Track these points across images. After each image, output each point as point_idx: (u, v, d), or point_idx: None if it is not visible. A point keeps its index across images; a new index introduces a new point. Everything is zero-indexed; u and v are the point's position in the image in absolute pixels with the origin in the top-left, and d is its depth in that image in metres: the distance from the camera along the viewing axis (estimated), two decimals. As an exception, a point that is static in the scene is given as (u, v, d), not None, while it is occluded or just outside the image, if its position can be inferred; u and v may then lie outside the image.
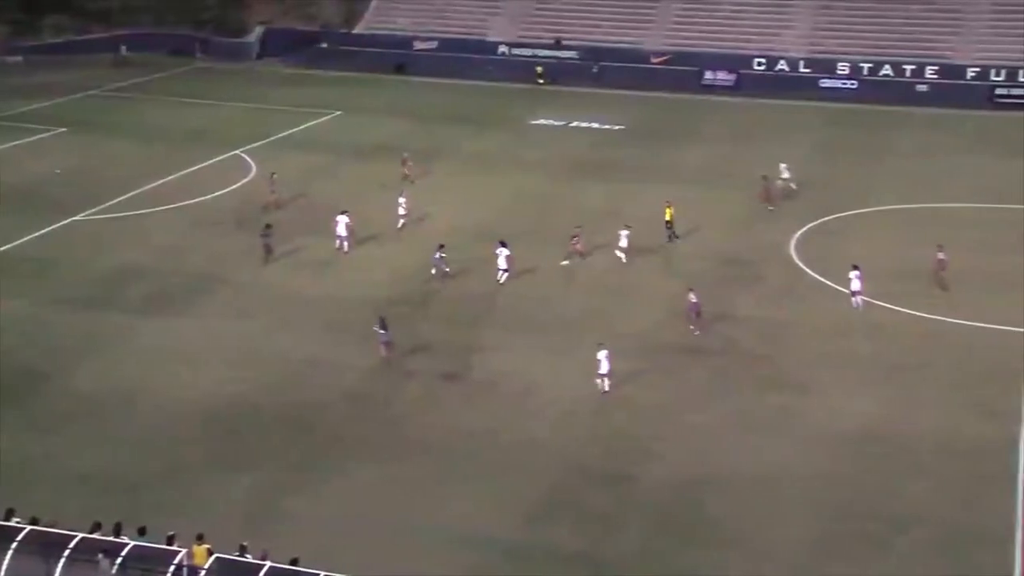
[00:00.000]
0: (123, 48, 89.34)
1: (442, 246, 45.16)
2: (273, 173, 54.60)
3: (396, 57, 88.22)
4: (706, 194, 56.49)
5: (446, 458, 32.81)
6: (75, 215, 52.25)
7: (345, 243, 48.28)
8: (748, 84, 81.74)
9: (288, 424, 34.58)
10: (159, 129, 68.10)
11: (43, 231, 50.14)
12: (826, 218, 52.98)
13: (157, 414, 34.88)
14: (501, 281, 44.48)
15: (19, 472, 31.07)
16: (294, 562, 25.57)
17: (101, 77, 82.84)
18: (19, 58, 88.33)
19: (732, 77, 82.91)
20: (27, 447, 32.74)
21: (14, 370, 37.28)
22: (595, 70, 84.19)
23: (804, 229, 51.37)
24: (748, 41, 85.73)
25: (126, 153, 62.29)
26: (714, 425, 34.78)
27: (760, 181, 54.35)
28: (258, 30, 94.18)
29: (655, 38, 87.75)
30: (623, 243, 47.10)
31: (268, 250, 46.80)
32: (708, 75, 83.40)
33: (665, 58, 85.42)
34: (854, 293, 42.49)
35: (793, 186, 56.30)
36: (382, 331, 38.35)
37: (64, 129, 67.64)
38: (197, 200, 54.38)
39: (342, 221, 48.20)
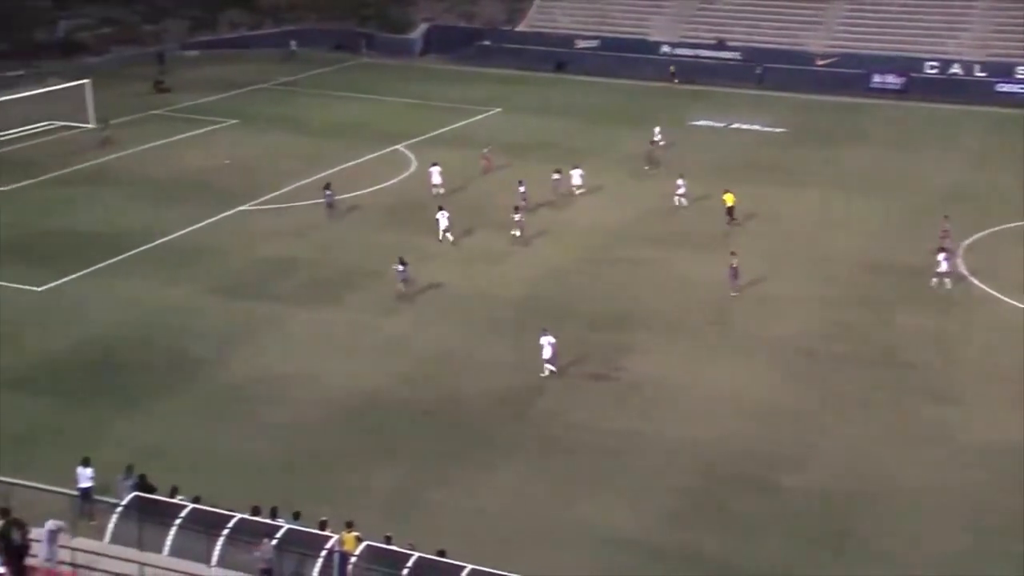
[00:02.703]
0: (292, 43, 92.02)
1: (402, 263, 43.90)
2: (487, 148, 59.59)
3: (557, 55, 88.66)
4: (868, 199, 55.44)
5: (590, 458, 32.92)
6: (240, 205, 54.06)
7: (520, 227, 49.39)
8: (918, 88, 79.62)
9: (434, 417, 35.18)
10: (323, 123, 69.94)
11: (210, 220, 52.00)
12: (994, 228, 51.31)
13: (307, 403, 35.86)
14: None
15: (178, 453, 32.36)
16: (441, 554, 26.04)
17: (271, 71, 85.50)
18: (196, 52, 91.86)
19: (901, 80, 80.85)
20: (185, 430, 34.05)
21: (174, 356, 38.79)
22: (758, 72, 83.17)
23: (972, 238, 49.83)
24: (918, 44, 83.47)
25: (291, 145, 64.13)
26: (866, 435, 34.08)
27: None
28: (422, 27, 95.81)
29: (821, 40, 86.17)
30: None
31: (449, 233, 48.82)
32: (876, 78, 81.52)
33: (830, 60, 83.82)
34: (943, 274, 43.84)
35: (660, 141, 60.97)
36: (401, 268, 42.57)
37: (235, 121, 70.03)
38: (356, 193, 55.66)
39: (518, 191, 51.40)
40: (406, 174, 59.25)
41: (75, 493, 28.67)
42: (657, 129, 64.06)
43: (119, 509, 27.34)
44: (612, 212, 53.89)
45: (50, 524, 24.75)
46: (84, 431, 33.25)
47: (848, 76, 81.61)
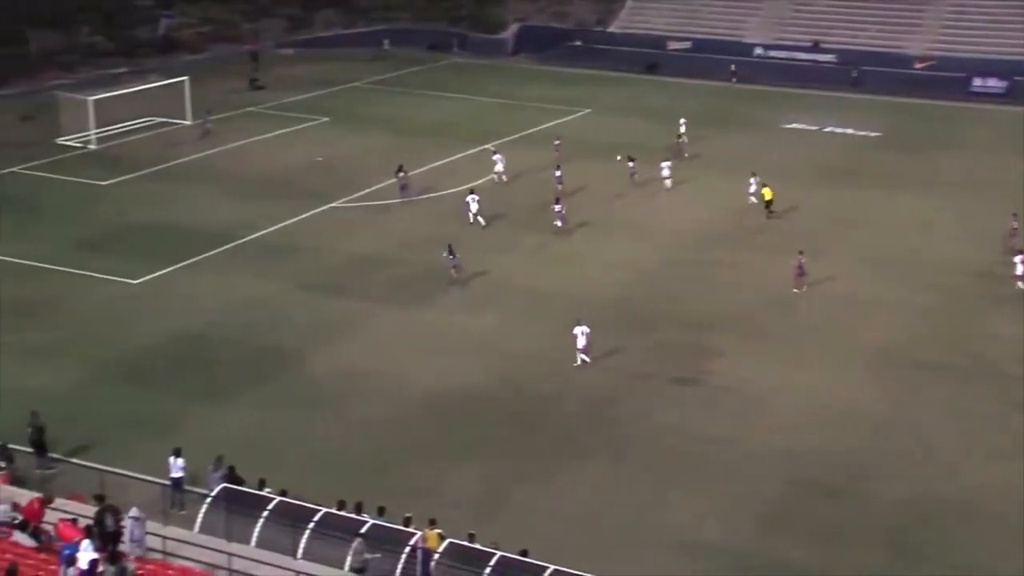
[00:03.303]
0: (385, 42, 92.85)
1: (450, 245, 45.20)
2: (557, 140, 60.81)
3: (649, 56, 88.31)
4: (964, 204, 54.47)
5: (675, 461, 32.78)
6: (331, 202, 54.71)
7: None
8: (1021, 92, 77.75)
9: (519, 417, 35.28)
10: (413, 121, 70.44)
11: (301, 216, 52.70)
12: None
13: (392, 399, 36.18)
14: None
15: (265, 447, 32.84)
16: (523, 554, 26.12)
17: (363, 70, 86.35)
18: (291, 51, 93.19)
19: (1003, 84, 79.17)
20: (272, 424, 34.56)
21: (263, 350, 39.38)
22: (854, 74, 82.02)
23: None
24: (1023, 46, 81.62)
25: (381, 144, 64.64)
26: (957, 446, 33.51)
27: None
28: (513, 27, 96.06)
29: (920, 42, 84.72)
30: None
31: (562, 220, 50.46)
32: (976, 81, 79.91)
33: (929, 63, 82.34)
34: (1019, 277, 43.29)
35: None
36: (451, 256, 44.22)
37: (327, 119, 70.85)
38: (444, 192, 56.00)
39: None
40: (494, 174, 59.41)
41: (166, 482, 29.24)
42: (683, 120, 64.92)
43: (208, 500, 27.90)
44: (695, 211, 53.60)
45: (132, 512, 25.30)
46: (175, 422, 33.94)
47: (947, 80, 79.99)
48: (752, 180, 54.56)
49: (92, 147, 63.17)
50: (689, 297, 44.09)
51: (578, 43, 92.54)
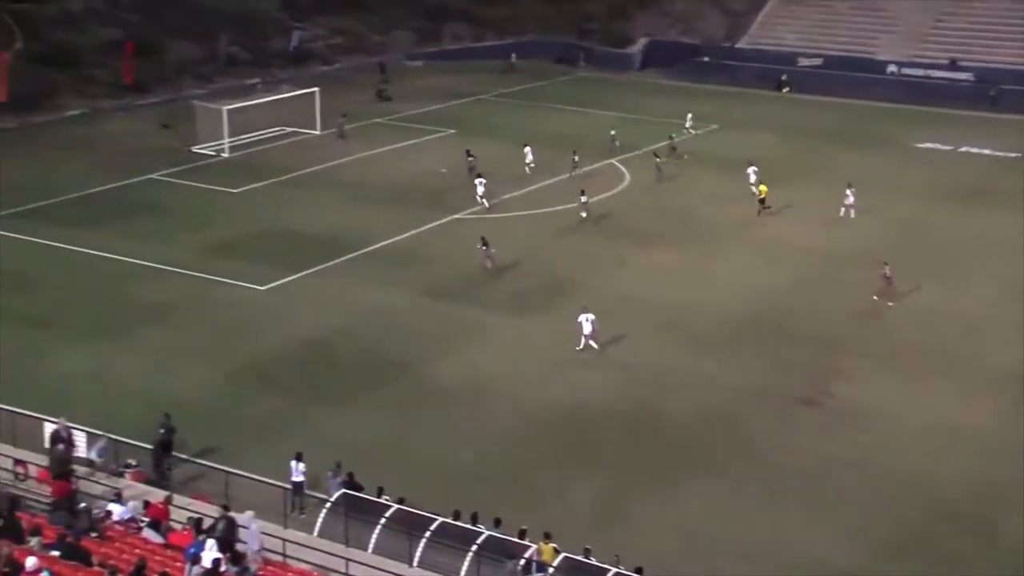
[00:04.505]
0: (513, 56, 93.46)
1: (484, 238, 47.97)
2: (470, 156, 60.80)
3: (777, 73, 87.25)
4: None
5: (796, 482, 32.25)
6: (456, 213, 55.19)
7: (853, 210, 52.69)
8: None
9: (637, 431, 35.08)
10: (539, 134, 70.28)
11: (425, 227, 53.27)
12: None
13: (509, 409, 36.27)
14: None
15: (379, 454, 33.13)
16: (638, 571, 25.95)
17: (491, 82, 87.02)
18: (419, 63, 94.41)
19: None
20: (388, 431, 34.91)
21: (382, 357, 39.80)
22: (992, 94, 79.83)
23: None
24: None
25: (505, 155, 64.77)
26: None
27: None
28: (641, 42, 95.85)
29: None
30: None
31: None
32: (1122, 102, 77.19)
33: (1072, 82, 79.83)
34: None
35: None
36: (483, 248, 46.77)
37: (453, 131, 71.54)
38: (569, 206, 56.00)
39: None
40: (619, 188, 59.31)
41: (287, 486, 29.75)
42: (689, 115, 71.10)
43: (328, 505, 28.32)
44: (825, 230, 52.74)
45: (244, 516, 25.72)
46: (299, 426, 34.53)
47: (1094, 99, 77.51)
48: (750, 171, 56.65)
49: (225, 155, 64.79)
50: (814, 315, 43.38)
51: (706, 59, 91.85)
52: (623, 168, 63.24)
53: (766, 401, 36.82)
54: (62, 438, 29.27)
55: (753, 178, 56.64)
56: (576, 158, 60.89)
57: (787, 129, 73.04)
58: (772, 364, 39.07)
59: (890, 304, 43.90)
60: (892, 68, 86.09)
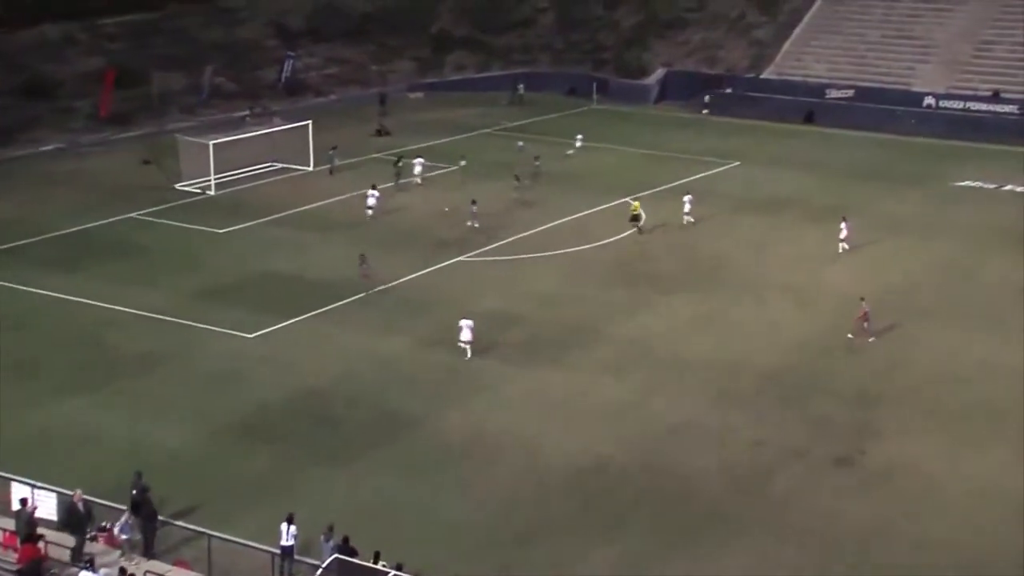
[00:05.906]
0: (520, 87, 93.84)
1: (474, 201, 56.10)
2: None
3: (805, 105, 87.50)
4: None
5: (829, 549, 31.82)
6: (459, 255, 55.11)
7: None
8: None
9: (660, 493, 34.71)
10: (548, 171, 70.26)
11: (428, 270, 53.16)
12: None
13: (523, 468, 35.93)
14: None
15: (384, 515, 32.82)
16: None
17: (495, 115, 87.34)
18: (420, 94, 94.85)
19: None
20: (393, 491, 34.56)
21: (383, 411, 39.53)
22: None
23: None
24: None
25: (511, 196, 64.74)
26: None
27: None
28: (659, 72, 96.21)
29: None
30: None
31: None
32: None
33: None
34: None
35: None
36: (363, 265, 49.65)
37: (453, 168, 71.33)
38: (580, 248, 55.96)
39: None
40: (634, 229, 59.19)
41: (276, 551, 29.42)
42: (579, 136, 76.54)
43: (319, 572, 27.99)
44: (860, 276, 52.44)
45: None
46: (290, 485, 34.22)
47: None
48: (686, 199, 59.67)
49: (211, 192, 64.90)
50: (851, 369, 43.11)
51: (728, 90, 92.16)
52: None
53: (799, 460, 36.39)
54: (78, 511, 29.29)
55: (688, 207, 59.30)
56: (518, 180, 64.80)
57: (816, 166, 73.09)
58: (806, 420, 38.75)
59: (870, 340, 44.63)
60: (929, 100, 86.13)
